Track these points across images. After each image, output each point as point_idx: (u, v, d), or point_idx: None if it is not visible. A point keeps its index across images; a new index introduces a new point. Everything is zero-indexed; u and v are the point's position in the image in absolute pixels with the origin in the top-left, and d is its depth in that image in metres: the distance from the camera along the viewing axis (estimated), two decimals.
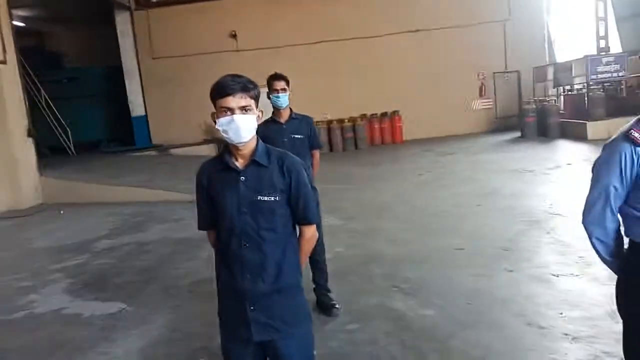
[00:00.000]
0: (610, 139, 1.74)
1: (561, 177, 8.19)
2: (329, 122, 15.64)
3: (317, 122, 15.19)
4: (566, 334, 3.12)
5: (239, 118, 1.76)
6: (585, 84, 12.43)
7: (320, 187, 9.89)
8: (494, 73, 15.93)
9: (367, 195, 8.34)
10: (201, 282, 4.84)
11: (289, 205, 1.86)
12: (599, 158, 1.76)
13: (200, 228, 1.99)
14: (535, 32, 16.30)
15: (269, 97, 3.60)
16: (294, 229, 1.94)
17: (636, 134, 1.64)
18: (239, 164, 1.84)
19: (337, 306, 3.81)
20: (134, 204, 9.03)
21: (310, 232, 1.95)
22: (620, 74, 11.83)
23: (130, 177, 10.68)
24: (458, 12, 15.40)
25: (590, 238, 1.82)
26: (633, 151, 1.64)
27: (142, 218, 8.05)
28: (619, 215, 1.77)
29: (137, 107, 16.17)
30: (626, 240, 1.79)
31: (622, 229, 1.79)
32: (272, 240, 1.83)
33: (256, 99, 1.83)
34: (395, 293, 4.10)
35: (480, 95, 16.24)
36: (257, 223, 1.81)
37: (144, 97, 16.19)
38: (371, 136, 15.84)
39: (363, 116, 15.84)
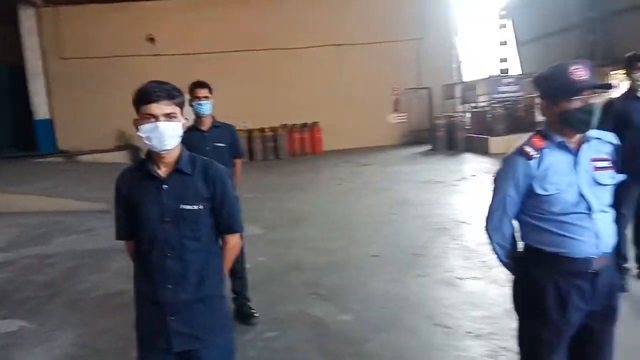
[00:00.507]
0: (507, 154, 1.95)
1: (467, 187, 8.80)
2: (250, 131, 15.57)
3: (238, 130, 15.15)
4: (469, 332, 3.37)
5: (164, 125, 1.74)
6: (488, 102, 13.50)
7: (242, 197, 9.79)
8: (408, 89, 16.78)
9: (287, 204, 8.41)
10: (110, 295, 4.61)
11: (212, 215, 1.87)
12: (498, 170, 1.96)
13: (118, 238, 1.93)
14: (445, 52, 17.43)
15: (191, 105, 3.56)
16: (217, 237, 1.94)
17: (528, 149, 1.86)
18: (162, 172, 1.82)
19: (256, 315, 3.81)
20: (36, 214, 8.37)
21: (234, 241, 1.97)
22: (519, 94, 12.98)
23: (32, 184, 9.88)
24: (376, 29, 16.06)
25: (491, 243, 2.02)
26: (524, 164, 1.85)
27: (46, 229, 7.48)
28: (515, 222, 1.98)
29: (40, 110, 15.02)
30: (521, 244, 2.01)
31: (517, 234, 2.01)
32: (195, 249, 1.82)
33: (181, 106, 1.82)
34: (314, 300, 4.18)
35: (395, 109, 17.01)
36: (180, 232, 1.79)
37: (50, 99, 15.10)
38: (292, 146, 15.97)
39: (284, 126, 15.95)
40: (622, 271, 3.98)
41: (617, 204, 3.93)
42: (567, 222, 1.81)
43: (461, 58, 19.99)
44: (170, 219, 1.78)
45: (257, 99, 15.65)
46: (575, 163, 1.83)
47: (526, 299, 1.94)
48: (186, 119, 1.86)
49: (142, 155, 1.92)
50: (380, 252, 5.37)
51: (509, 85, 12.97)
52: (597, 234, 1.80)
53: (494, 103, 13.46)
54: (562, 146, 1.84)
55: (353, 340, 3.42)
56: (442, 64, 17.05)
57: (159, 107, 1.73)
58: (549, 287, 1.85)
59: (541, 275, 1.87)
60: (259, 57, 15.66)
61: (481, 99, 14.01)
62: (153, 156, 1.83)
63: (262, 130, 15.63)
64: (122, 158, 14.07)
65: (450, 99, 16.11)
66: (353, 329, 3.60)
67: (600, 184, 1.83)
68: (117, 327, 3.84)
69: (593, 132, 1.87)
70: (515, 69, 18.12)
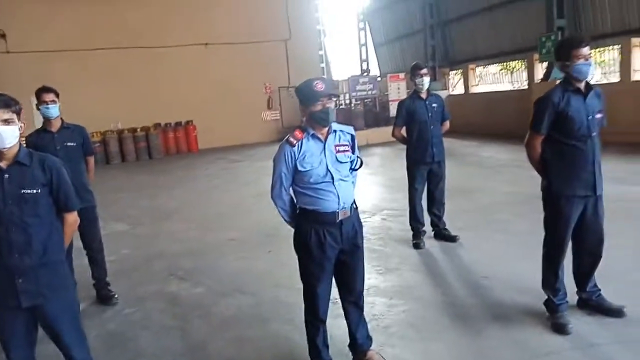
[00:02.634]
0: (281, 143, 2.70)
1: None
2: (120, 131, 15.27)
3: (108, 131, 14.79)
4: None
5: (2, 129, 2.20)
6: (349, 100, 14.85)
7: (112, 197, 10.05)
8: (279, 87, 17.65)
9: (157, 202, 8.71)
10: None
11: (51, 196, 2.37)
12: (275, 155, 2.71)
13: None
14: (312, 52, 18.60)
15: (38, 109, 3.86)
16: (58, 215, 2.44)
17: (292, 139, 2.63)
18: (3, 164, 2.27)
19: (115, 296, 4.25)
20: None
21: (72, 218, 2.48)
22: (374, 92, 14.48)
23: None
24: (245, 29, 16.63)
25: (277, 207, 2.77)
26: (290, 150, 2.62)
27: None
28: (291, 191, 2.75)
29: None
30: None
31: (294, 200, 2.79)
32: (37, 224, 2.30)
33: (18, 113, 2.29)
34: (172, 280, 4.72)
35: (268, 107, 17.78)
36: (22, 212, 2.26)
37: None
38: (166, 145, 15.97)
39: (157, 125, 15.87)
40: (420, 234, 5.11)
41: (410, 180, 5.08)
42: (319, 189, 2.62)
43: (329, 58, 21.43)
44: (12, 202, 2.24)
45: (128, 99, 15.39)
46: (324, 148, 2.65)
47: (300, 244, 2.73)
48: (23, 123, 2.33)
49: None
50: (238, 236, 6.04)
51: (364, 85, 14.40)
52: (338, 196, 2.63)
53: (355, 100, 14.84)
54: (315, 137, 2.65)
55: (202, 306, 4.04)
56: (309, 62, 18.15)
57: None
58: (311, 233, 2.65)
59: (306, 225, 2.67)
60: (126, 55, 15.37)
61: (342, 97, 15.32)
62: None
63: (133, 130, 15.42)
64: None
65: None
66: (203, 298, 4.22)
67: (340, 162, 2.67)
68: None
69: (337, 127, 2.71)
70: (374, 68, 19.94)
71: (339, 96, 2.88)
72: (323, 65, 19.86)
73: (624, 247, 4.31)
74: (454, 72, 16.28)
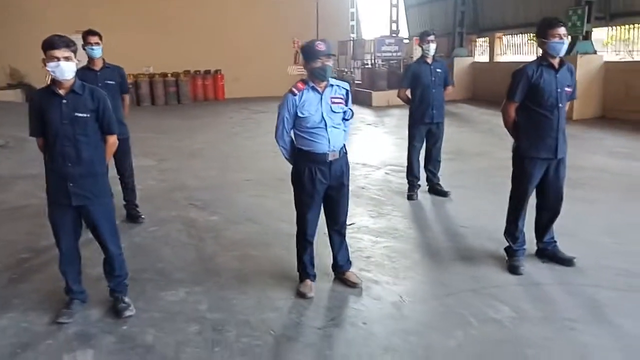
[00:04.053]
0: (285, 93, 3.21)
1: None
2: (152, 75, 15.89)
3: (139, 74, 15.44)
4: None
5: (63, 64, 2.77)
6: (374, 60, 15.06)
7: (141, 135, 10.84)
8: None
9: (182, 143, 9.39)
10: (18, 208, 5.48)
11: (97, 121, 2.96)
12: (280, 103, 3.23)
13: (31, 134, 2.97)
14: (343, 10, 18.65)
15: (84, 49, 4.44)
16: (101, 136, 3.04)
17: (294, 90, 3.14)
18: (62, 92, 2.86)
19: (142, 216, 4.95)
20: None
21: (112, 139, 3.08)
22: (398, 54, 14.64)
23: None
24: None
25: (279, 146, 3.32)
26: (292, 98, 3.14)
27: None
28: (292, 133, 3.28)
29: None
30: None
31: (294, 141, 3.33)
32: (85, 142, 2.90)
33: (74, 52, 2.85)
34: (190, 208, 5.39)
35: (295, 62, 18.03)
36: (74, 130, 2.86)
37: None
38: (194, 92, 16.59)
39: (187, 72, 16.43)
40: (415, 187, 5.63)
41: (410, 138, 5.56)
42: (314, 133, 3.15)
43: (360, 16, 21.34)
44: (67, 122, 2.84)
45: (161, 45, 15.90)
46: (321, 99, 3.15)
47: (296, 177, 3.29)
48: (79, 60, 2.90)
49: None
50: (253, 177, 6.67)
51: (390, 46, 14.54)
52: (329, 140, 3.16)
53: (379, 61, 15.04)
54: (314, 89, 3.16)
55: (215, 230, 4.70)
56: (339, 20, 18.28)
57: (60, 52, 2.75)
58: (305, 169, 3.21)
59: (302, 163, 3.23)
60: (161, 2, 15.80)
61: (368, 56, 15.52)
62: (56, 82, 2.85)
63: (164, 75, 16.02)
64: (14, 97, 13.90)
65: (343, 54, 17.48)
66: (216, 224, 4.87)
67: (334, 112, 3.18)
68: (25, 228, 4.79)
69: (334, 82, 3.21)
70: (404, 30, 19.84)
71: (334, 55, 3.28)
72: (353, 23, 19.85)
73: (599, 212, 4.79)
74: (482, 39, 16.21)
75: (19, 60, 14.05)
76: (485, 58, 15.87)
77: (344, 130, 3.30)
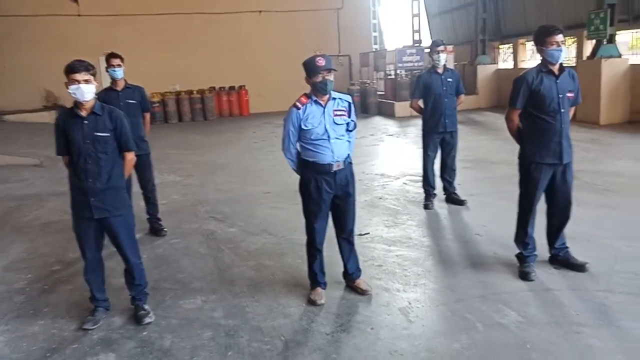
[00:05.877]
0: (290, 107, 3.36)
1: (362, 142, 10.42)
2: (178, 93, 16.41)
3: (166, 92, 15.99)
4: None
5: (83, 86, 2.99)
6: (395, 71, 15.14)
7: (166, 152, 11.24)
8: (330, 56, 18.04)
9: (207, 158, 9.68)
10: (50, 223, 5.79)
11: (115, 139, 3.17)
12: (285, 117, 3.37)
13: (58, 153, 3.21)
14: (364, 21, 18.84)
15: (107, 71, 4.72)
16: (120, 153, 3.25)
17: (298, 104, 3.29)
18: (83, 113, 3.09)
19: (165, 229, 5.16)
20: None
21: (130, 156, 3.29)
22: (420, 63, 14.68)
23: None
24: None
25: (285, 158, 3.46)
26: (296, 112, 3.28)
27: None
28: (298, 145, 3.42)
29: None
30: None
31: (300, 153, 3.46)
32: (105, 158, 3.12)
33: (94, 75, 3.08)
34: (211, 221, 5.59)
35: None
36: (95, 148, 3.08)
37: None
38: (219, 108, 17.01)
39: (212, 89, 16.89)
40: (431, 196, 5.67)
41: (424, 148, 5.65)
42: (318, 144, 3.28)
43: (382, 27, 21.49)
44: (89, 141, 3.07)
45: (186, 63, 16.46)
46: (324, 112, 3.29)
47: (303, 188, 3.42)
48: (97, 83, 3.12)
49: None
50: (272, 190, 6.83)
51: (411, 56, 14.61)
52: (332, 151, 3.28)
53: (400, 71, 15.10)
54: (317, 102, 3.30)
55: (233, 241, 4.87)
56: (360, 32, 18.48)
57: (80, 75, 2.99)
58: (311, 180, 3.33)
59: (308, 174, 3.36)
60: (183, 21, 16.40)
61: (390, 67, 15.62)
62: (78, 104, 3.09)
63: (190, 92, 16.51)
64: (49, 118, 14.57)
65: (366, 66, 17.64)
66: (235, 236, 5.04)
67: (337, 124, 3.30)
68: (56, 242, 5.07)
69: (336, 95, 3.34)
70: (426, 39, 19.87)
71: (334, 70, 3.38)
72: (375, 34, 20.01)
73: (618, 217, 4.74)
74: (505, 46, 16.10)
75: (53, 83, 14.77)
76: (509, 64, 15.73)
77: (348, 141, 3.42)
